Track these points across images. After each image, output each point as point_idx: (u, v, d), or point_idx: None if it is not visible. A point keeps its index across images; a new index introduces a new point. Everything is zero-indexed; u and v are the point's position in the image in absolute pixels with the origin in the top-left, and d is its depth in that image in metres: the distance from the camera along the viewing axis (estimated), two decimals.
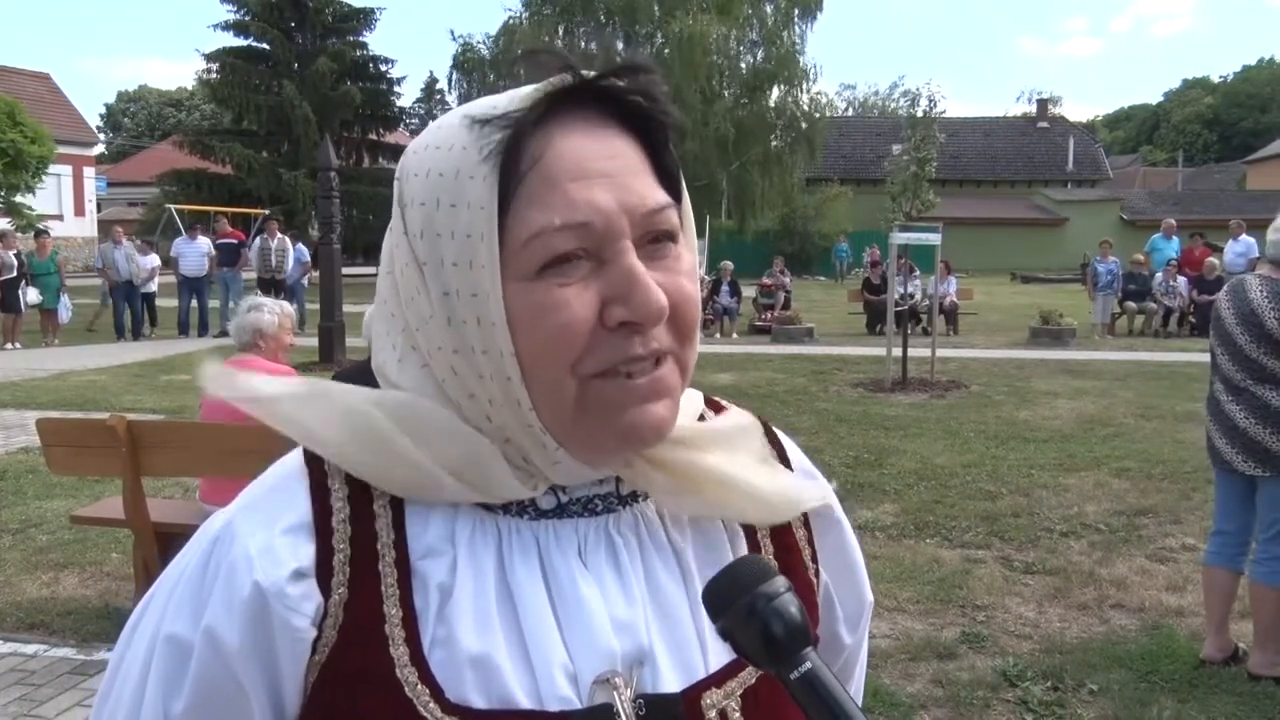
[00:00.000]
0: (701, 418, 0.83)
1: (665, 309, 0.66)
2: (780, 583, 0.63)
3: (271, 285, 15.36)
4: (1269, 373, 3.58)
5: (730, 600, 0.63)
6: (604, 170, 0.66)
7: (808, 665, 0.61)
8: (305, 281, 17.12)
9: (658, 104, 0.70)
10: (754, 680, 0.72)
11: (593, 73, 0.68)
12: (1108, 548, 5.34)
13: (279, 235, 16.58)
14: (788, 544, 0.81)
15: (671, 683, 0.69)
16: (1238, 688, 3.69)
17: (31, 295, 15.34)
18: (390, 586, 0.68)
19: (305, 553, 0.69)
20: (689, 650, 0.71)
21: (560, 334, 0.65)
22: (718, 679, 0.71)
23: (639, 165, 0.69)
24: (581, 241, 0.65)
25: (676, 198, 0.71)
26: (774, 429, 0.88)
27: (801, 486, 0.79)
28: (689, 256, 0.71)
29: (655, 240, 0.68)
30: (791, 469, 0.85)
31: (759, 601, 0.62)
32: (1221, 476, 3.85)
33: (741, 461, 0.76)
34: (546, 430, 0.68)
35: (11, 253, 14.97)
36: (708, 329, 16.68)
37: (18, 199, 24.30)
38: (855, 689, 0.94)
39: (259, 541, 0.68)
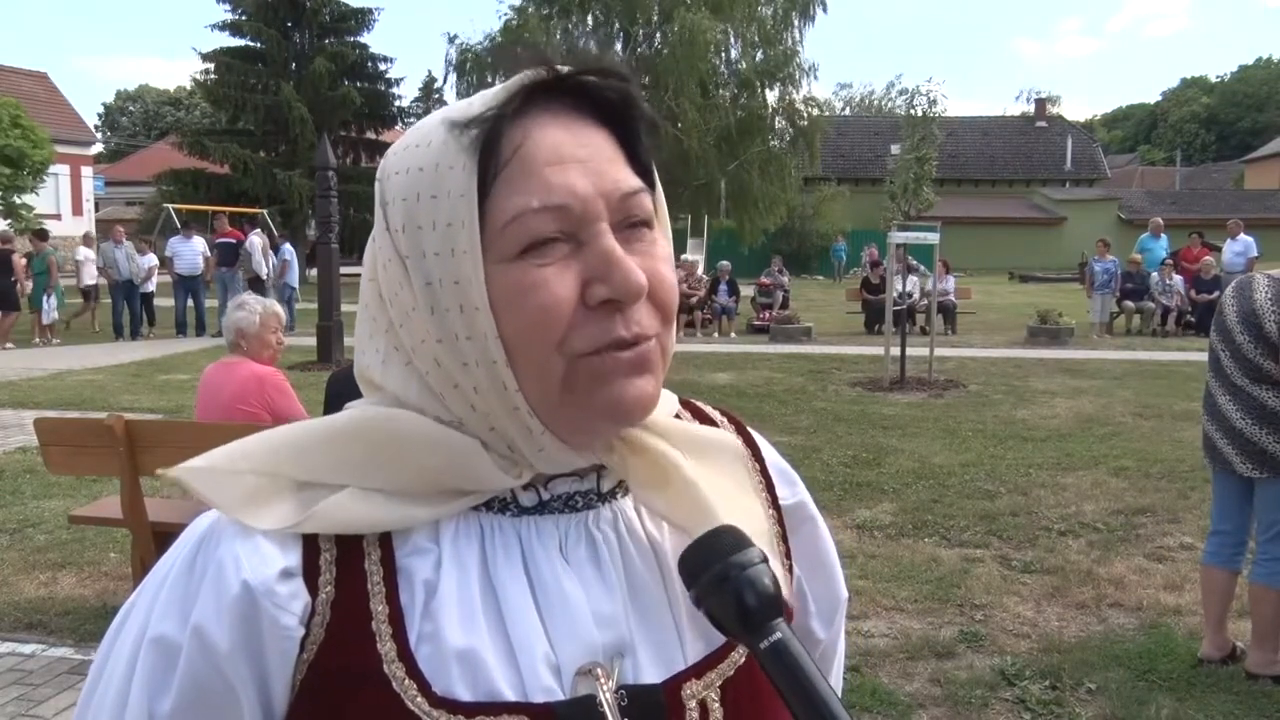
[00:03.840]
0: (677, 417, 0.83)
1: (644, 286, 0.68)
2: (755, 553, 0.64)
3: (251, 284, 15.51)
4: (1265, 374, 3.58)
5: (704, 568, 0.64)
6: (580, 157, 0.68)
7: (777, 635, 0.62)
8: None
9: (630, 98, 0.72)
10: (732, 672, 0.74)
11: (567, 68, 0.69)
12: (1106, 547, 5.34)
13: (249, 236, 16.95)
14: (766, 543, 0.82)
15: (652, 674, 0.71)
16: (1235, 686, 3.69)
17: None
18: (376, 584, 0.69)
19: (292, 552, 0.69)
20: (668, 642, 0.72)
21: (542, 312, 0.66)
22: (697, 670, 0.72)
23: (612, 154, 0.70)
24: (560, 224, 0.67)
25: (650, 186, 0.73)
26: (748, 429, 0.89)
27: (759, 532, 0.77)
28: (665, 244, 0.73)
29: (631, 226, 0.70)
30: (765, 467, 0.86)
31: (732, 570, 0.63)
32: (1218, 476, 3.84)
33: (708, 475, 0.76)
34: (533, 412, 0.69)
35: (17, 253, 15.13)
36: (706, 328, 16.72)
37: (16, 200, 24.30)
38: (834, 683, 0.95)
39: (246, 541, 0.69)
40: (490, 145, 0.67)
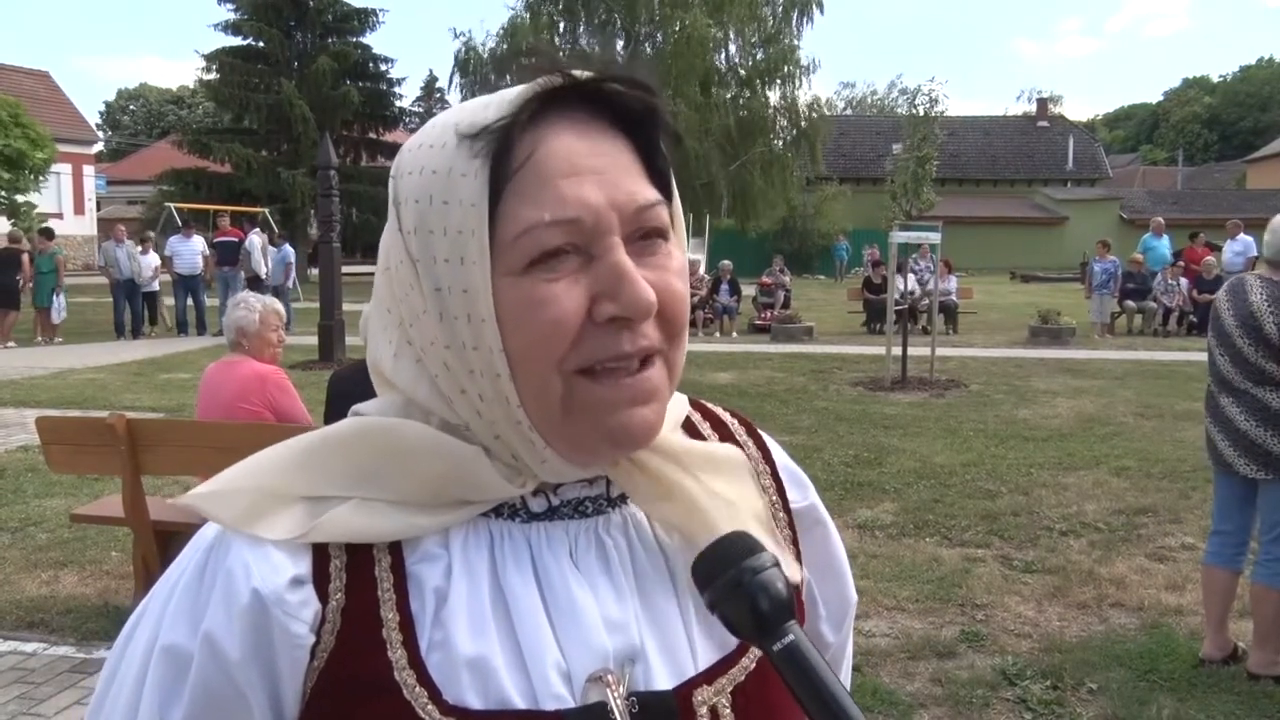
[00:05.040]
0: (688, 421, 0.83)
1: (654, 305, 0.67)
2: (767, 557, 0.65)
3: (250, 283, 15.57)
4: (1268, 375, 3.57)
5: (717, 574, 0.64)
6: (594, 168, 0.67)
7: (790, 638, 0.62)
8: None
9: (648, 106, 0.70)
10: (743, 677, 0.73)
11: (585, 74, 0.68)
12: (1107, 546, 5.34)
13: (249, 235, 16.97)
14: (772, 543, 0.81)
15: (663, 680, 0.70)
16: (1236, 687, 3.69)
17: None
18: (387, 591, 0.69)
19: (302, 560, 0.69)
20: (679, 649, 0.72)
21: (549, 329, 0.65)
22: (708, 676, 0.72)
23: (629, 164, 0.69)
24: (571, 237, 0.66)
25: (667, 197, 0.72)
26: (759, 430, 0.89)
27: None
28: (679, 255, 0.72)
29: (645, 237, 0.69)
30: (776, 470, 0.86)
31: (745, 575, 0.63)
32: (1220, 477, 3.83)
33: (715, 490, 0.76)
34: (534, 428, 0.69)
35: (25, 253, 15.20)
36: (707, 327, 16.72)
37: (19, 199, 24.36)
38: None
39: (256, 549, 0.69)
40: (502, 153, 0.66)
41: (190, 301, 16.69)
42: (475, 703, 0.66)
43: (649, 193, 0.69)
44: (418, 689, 0.66)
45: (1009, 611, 4.48)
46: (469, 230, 0.66)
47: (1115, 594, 4.66)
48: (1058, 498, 6.29)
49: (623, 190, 0.67)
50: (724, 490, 0.77)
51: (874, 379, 11.01)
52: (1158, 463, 7.14)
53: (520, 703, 0.66)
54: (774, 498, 0.84)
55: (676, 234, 0.73)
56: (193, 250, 16.54)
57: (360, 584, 0.69)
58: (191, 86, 46.15)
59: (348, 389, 3.22)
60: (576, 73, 0.68)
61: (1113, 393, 10.31)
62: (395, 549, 0.70)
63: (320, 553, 0.69)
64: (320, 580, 0.69)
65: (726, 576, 0.64)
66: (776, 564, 0.65)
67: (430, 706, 0.66)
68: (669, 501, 0.74)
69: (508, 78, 0.70)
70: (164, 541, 4.19)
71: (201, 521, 0.74)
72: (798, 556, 0.84)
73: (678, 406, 0.81)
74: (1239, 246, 16.04)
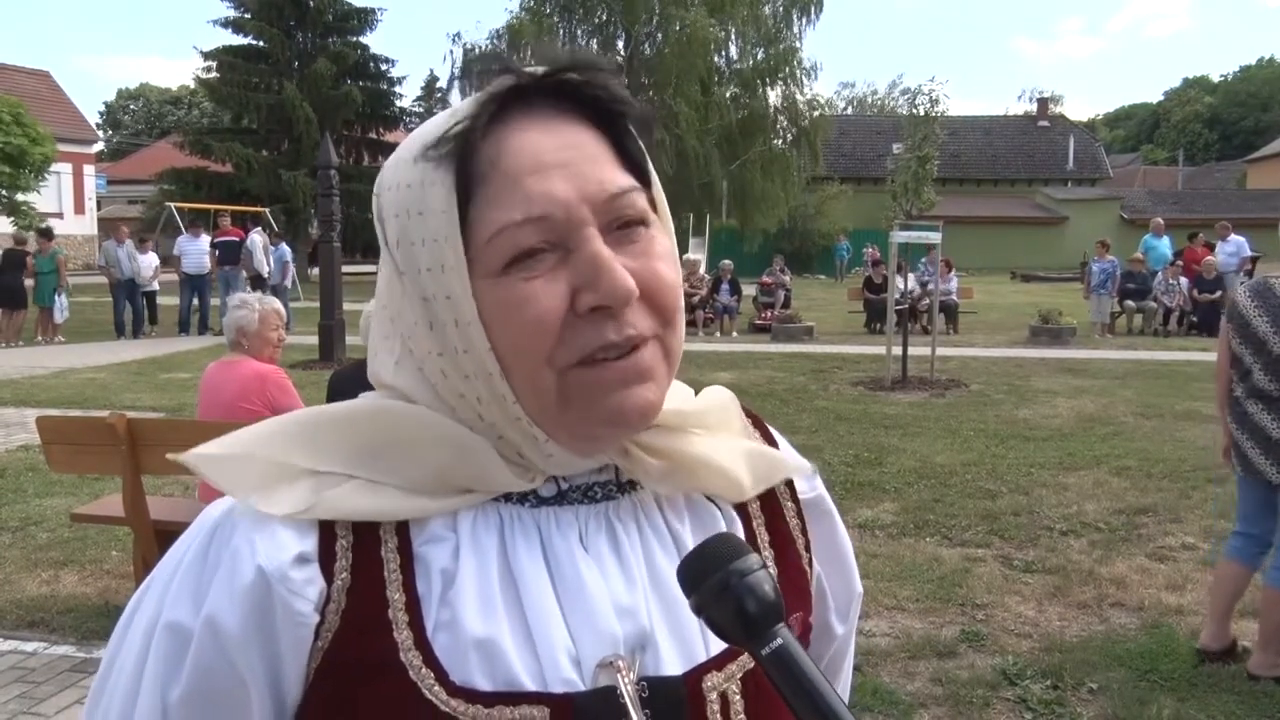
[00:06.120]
0: None
1: (633, 291, 0.67)
2: (753, 560, 0.64)
3: (253, 282, 15.58)
4: None
5: (704, 577, 0.64)
6: (561, 161, 0.67)
7: (779, 641, 0.62)
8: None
9: (611, 94, 0.70)
10: (753, 663, 0.72)
11: (539, 69, 0.68)
12: (1107, 546, 5.34)
13: (250, 234, 17.00)
14: (783, 535, 0.82)
15: (673, 665, 0.70)
16: (1237, 687, 3.69)
17: None
18: (393, 572, 0.69)
19: (308, 538, 0.69)
20: (689, 634, 0.72)
21: (532, 327, 0.66)
22: (718, 662, 0.72)
23: (599, 153, 0.69)
24: (544, 235, 0.66)
25: (645, 183, 0.71)
26: (765, 423, 0.90)
27: (778, 456, 0.84)
28: (664, 240, 0.72)
29: (624, 225, 0.69)
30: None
31: (732, 578, 0.63)
32: (1246, 483, 3.80)
33: (719, 442, 0.79)
34: (534, 423, 0.69)
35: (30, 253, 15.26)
36: (707, 327, 16.72)
37: (19, 198, 24.39)
38: (845, 678, 0.96)
39: (262, 528, 0.69)
40: (466, 159, 0.67)
41: (195, 301, 16.70)
42: (483, 684, 0.66)
43: (621, 180, 0.69)
44: (424, 670, 0.66)
45: (1009, 611, 4.48)
46: (443, 238, 0.67)
47: (1115, 594, 4.66)
48: (1058, 497, 6.29)
49: (593, 180, 0.67)
50: (722, 439, 0.79)
51: (874, 379, 11.01)
52: (1158, 462, 7.14)
53: (529, 684, 0.66)
54: (782, 487, 0.84)
55: (660, 219, 0.73)
56: (200, 250, 16.57)
57: (366, 563, 0.69)
58: (191, 86, 46.16)
59: (348, 388, 3.23)
60: (530, 69, 0.68)
61: (1113, 392, 10.31)
62: (402, 530, 0.70)
63: (327, 531, 0.69)
64: (326, 559, 0.69)
65: (713, 579, 0.63)
66: (764, 566, 0.64)
67: (437, 688, 0.66)
68: (682, 476, 0.75)
69: (469, 87, 0.71)
70: (164, 541, 4.18)
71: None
72: (807, 546, 0.84)
73: (682, 392, 0.82)
74: (1231, 248, 16.08)
